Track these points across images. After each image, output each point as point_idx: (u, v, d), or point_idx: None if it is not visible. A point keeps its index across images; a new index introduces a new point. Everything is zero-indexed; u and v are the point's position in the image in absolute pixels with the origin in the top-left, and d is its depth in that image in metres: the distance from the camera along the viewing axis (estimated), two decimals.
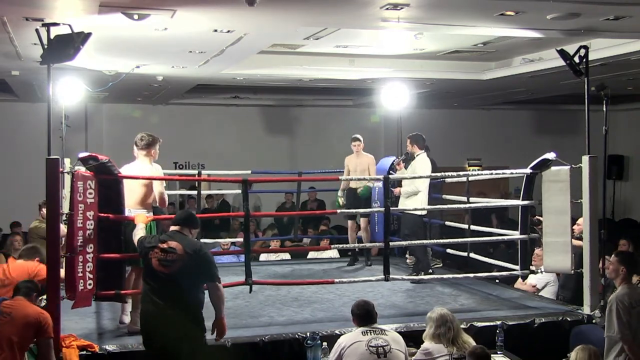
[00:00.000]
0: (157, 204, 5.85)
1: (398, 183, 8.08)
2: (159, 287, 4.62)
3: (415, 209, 7.41)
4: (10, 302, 4.79)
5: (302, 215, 10.62)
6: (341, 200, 8.64)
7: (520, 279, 7.59)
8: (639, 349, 4.84)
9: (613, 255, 5.25)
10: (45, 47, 5.36)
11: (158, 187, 5.83)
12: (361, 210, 8.00)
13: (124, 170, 6.01)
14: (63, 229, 5.60)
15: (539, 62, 9.49)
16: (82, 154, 5.54)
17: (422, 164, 7.61)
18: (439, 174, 7.43)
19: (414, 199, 7.50)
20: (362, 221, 8.74)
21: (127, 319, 5.79)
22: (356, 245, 8.66)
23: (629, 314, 4.85)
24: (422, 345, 4.88)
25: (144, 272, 4.84)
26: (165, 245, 4.65)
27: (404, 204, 7.59)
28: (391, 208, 6.68)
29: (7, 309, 4.69)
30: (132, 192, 5.77)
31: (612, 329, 4.88)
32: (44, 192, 5.43)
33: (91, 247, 5.42)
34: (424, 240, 7.77)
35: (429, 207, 7.52)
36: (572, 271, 6.43)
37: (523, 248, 6.93)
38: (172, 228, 4.84)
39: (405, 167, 8.03)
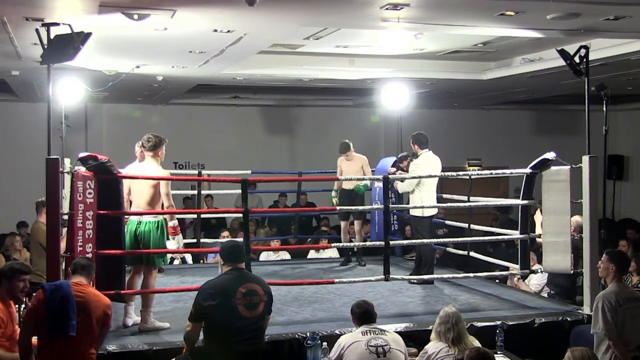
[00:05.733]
0: (164, 205, 5.81)
1: None
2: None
3: (415, 207, 7.41)
4: (81, 292, 4.47)
5: (299, 217, 10.59)
6: (335, 200, 8.62)
7: (514, 277, 7.57)
8: (624, 346, 4.87)
9: (604, 254, 5.27)
10: (45, 47, 5.38)
11: (164, 188, 5.77)
12: (360, 208, 7.97)
13: (132, 169, 6.02)
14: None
15: (539, 62, 9.48)
16: (82, 154, 5.55)
17: (420, 163, 7.50)
18: (438, 174, 7.40)
19: (414, 199, 7.49)
20: (356, 224, 8.64)
21: (130, 321, 5.79)
22: (357, 244, 8.64)
23: (615, 312, 4.89)
24: (424, 347, 4.88)
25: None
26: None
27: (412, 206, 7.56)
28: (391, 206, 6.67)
29: (81, 301, 4.40)
30: (141, 193, 5.78)
31: (597, 326, 4.95)
32: (43, 192, 5.45)
33: (90, 247, 5.43)
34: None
35: (428, 206, 7.49)
36: (572, 271, 6.44)
37: (523, 248, 6.93)
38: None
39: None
